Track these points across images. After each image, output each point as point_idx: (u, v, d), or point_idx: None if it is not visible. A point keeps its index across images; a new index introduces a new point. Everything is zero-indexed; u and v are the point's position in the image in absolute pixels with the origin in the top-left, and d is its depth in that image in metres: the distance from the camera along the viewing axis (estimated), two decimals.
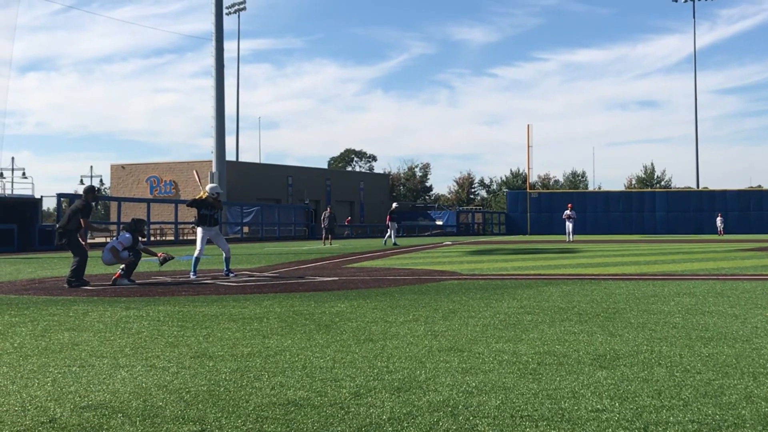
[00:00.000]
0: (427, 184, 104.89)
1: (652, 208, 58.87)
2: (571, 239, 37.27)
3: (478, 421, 4.01)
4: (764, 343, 6.22)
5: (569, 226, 37.85)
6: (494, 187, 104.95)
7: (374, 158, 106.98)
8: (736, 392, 4.54)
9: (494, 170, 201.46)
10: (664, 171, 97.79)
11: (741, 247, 25.48)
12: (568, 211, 38.53)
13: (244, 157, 76.94)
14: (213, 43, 48.13)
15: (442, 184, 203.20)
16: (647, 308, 8.58)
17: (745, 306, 8.69)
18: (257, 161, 74.11)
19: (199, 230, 13.84)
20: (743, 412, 4.11)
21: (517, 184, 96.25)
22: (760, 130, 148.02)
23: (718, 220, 52.40)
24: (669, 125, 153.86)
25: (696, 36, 71.01)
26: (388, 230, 31.80)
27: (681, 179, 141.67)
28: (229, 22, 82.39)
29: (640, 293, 10.26)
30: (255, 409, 4.31)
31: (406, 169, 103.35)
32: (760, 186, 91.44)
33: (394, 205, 33.85)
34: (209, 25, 48.55)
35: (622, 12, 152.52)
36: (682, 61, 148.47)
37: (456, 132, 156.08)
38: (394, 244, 30.55)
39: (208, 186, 14.03)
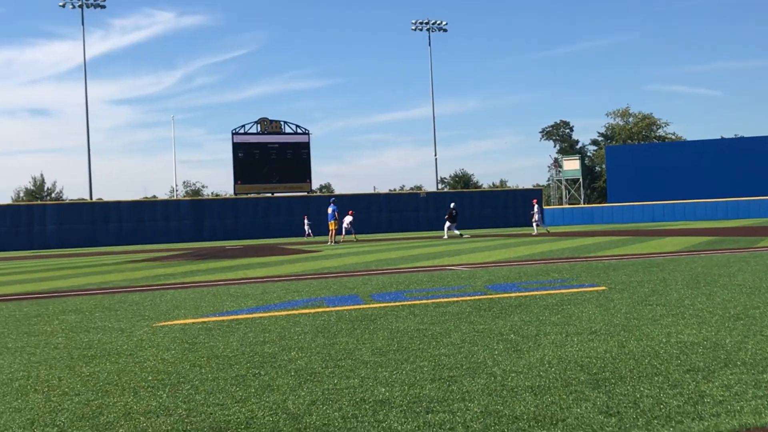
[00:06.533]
0: None
1: (42, 222, 57.74)
2: None
3: None
4: (148, 355, 6.46)
5: None
6: None
7: None
8: (115, 410, 4.60)
9: None
10: (55, 183, 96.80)
11: (133, 258, 26.44)
12: None
13: None
14: None
15: None
16: (28, 330, 8.31)
17: (132, 319, 8.96)
18: None
19: None
20: (120, 430, 4.18)
21: None
22: (154, 142, 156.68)
23: (306, 224, 54.69)
24: (61, 135, 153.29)
25: (87, 44, 71.63)
26: None
27: (74, 191, 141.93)
28: None
29: (21, 314, 9.90)
30: None
31: None
32: (155, 196, 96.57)
33: None
34: None
35: (10, 13, 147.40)
36: (74, 69, 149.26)
37: None
38: None
39: None
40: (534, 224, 40.29)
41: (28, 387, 5.35)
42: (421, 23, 78.93)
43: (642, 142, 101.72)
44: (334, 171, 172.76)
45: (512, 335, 6.76)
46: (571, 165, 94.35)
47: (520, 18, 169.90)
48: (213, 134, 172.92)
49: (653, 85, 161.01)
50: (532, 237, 34.44)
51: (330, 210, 36.36)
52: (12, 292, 13.79)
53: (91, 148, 66.96)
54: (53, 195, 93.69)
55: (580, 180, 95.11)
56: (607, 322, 7.29)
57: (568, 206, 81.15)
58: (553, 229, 46.76)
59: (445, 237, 37.37)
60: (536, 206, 40.06)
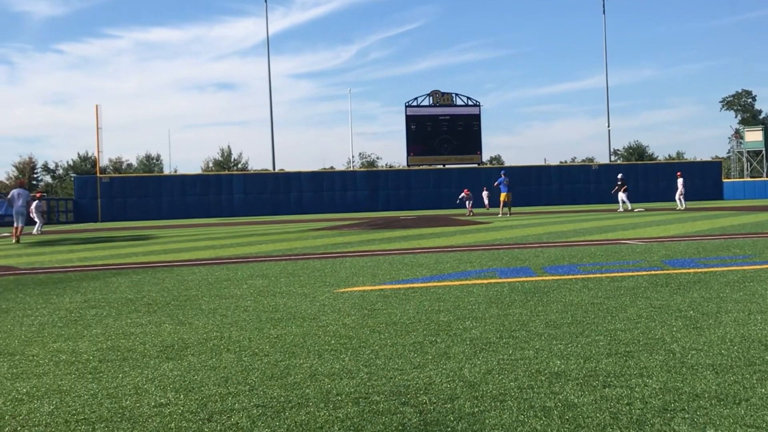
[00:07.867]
0: None
1: (229, 191, 60.57)
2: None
3: (27, 431, 3.74)
4: (330, 320, 6.67)
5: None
6: (60, 172, 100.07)
7: None
8: (301, 371, 4.79)
9: (62, 154, 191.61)
10: (241, 153, 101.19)
11: (313, 227, 27.30)
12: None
13: None
14: None
15: None
16: (219, 293, 8.75)
17: (314, 285, 9.27)
18: None
19: None
20: (307, 390, 4.34)
21: (86, 168, 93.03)
22: (331, 115, 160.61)
23: (485, 195, 54.23)
24: (245, 108, 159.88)
25: (270, 21, 74.11)
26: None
27: (258, 162, 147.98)
28: None
29: (213, 278, 10.43)
30: None
31: None
32: (332, 167, 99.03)
33: None
34: None
35: None
36: (258, 45, 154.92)
37: (17, 112, 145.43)
38: None
39: None
40: (677, 200, 38.14)
41: (221, 347, 5.65)
42: None
43: None
44: (504, 143, 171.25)
45: (691, 312, 6.52)
46: (754, 136, 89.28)
47: None
48: (387, 107, 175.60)
49: None
50: (677, 212, 32.89)
51: (507, 182, 36.09)
52: (204, 257, 14.57)
53: (273, 120, 69.46)
54: (239, 165, 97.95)
55: (763, 152, 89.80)
56: None
57: (749, 179, 76.92)
58: (734, 203, 44.43)
59: (630, 208, 36.42)
60: (680, 179, 37.88)
